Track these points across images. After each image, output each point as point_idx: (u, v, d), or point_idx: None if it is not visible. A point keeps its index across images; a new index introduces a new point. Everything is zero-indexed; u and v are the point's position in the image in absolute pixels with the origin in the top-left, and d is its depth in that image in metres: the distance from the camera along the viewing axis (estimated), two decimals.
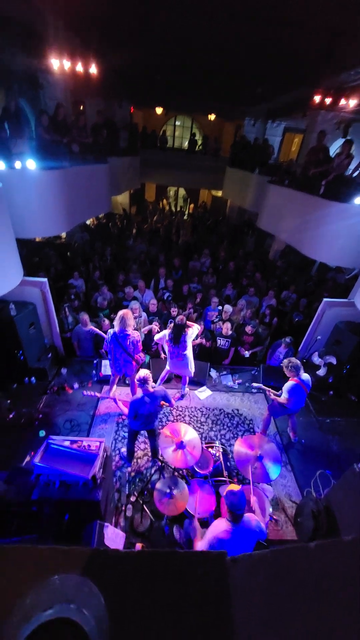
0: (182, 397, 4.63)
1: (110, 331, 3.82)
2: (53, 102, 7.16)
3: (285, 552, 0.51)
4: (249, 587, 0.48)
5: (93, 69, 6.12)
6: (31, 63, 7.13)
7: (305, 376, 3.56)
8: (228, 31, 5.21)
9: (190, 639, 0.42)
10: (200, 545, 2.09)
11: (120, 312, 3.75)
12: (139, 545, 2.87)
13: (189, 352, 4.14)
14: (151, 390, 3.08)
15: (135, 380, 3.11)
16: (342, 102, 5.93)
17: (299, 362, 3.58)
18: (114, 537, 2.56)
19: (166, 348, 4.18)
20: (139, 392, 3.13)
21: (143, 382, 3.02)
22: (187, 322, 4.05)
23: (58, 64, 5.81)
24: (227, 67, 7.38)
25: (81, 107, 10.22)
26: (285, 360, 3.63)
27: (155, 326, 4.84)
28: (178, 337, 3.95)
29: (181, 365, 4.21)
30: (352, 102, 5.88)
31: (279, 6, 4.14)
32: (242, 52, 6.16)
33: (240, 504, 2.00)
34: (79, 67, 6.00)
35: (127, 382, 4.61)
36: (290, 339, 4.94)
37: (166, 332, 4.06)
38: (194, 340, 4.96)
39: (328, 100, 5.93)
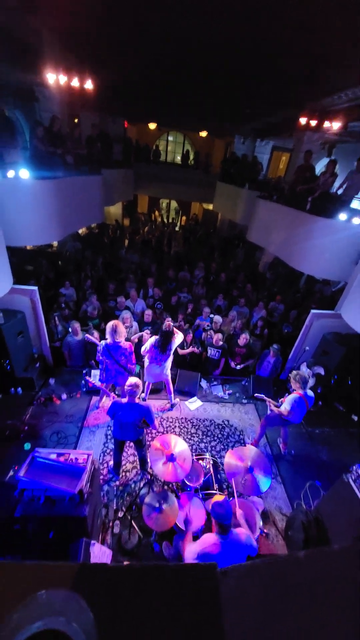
0: (172, 407, 4.58)
1: (103, 342, 3.81)
2: (48, 115, 7.28)
3: (276, 563, 0.51)
4: (240, 598, 0.47)
5: (88, 84, 6.28)
6: (26, 77, 7.27)
7: (309, 391, 3.57)
8: (218, 54, 5.48)
9: None
10: (188, 551, 2.04)
11: (111, 323, 3.72)
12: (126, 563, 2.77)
13: (169, 361, 4.17)
14: (137, 401, 3.01)
15: (125, 387, 3.05)
16: (327, 124, 6.26)
17: (306, 375, 3.58)
18: (100, 555, 2.47)
19: (147, 355, 4.15)
20: (125, 398, 3.07)
21: (131, 392, 2.95)
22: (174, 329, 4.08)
23: (53, 78, 5.94)
24: (218, 88, 7.72)
25: (76, 120, 10.42)
26: (294, 372, 3.62)
27: (146, 334, 4.83)
28: (166, 344, 3.94)
29: (159, 372, 4.21)
30: (336, 125, 6.22)
31: (267, 33, 4.40)
32: (232, 74, 6.47)
33: (226, 514, 1.98)
34: (74, 82, 6.15)
35: (117, 392, 4.54)
36: (277, 346, 5.01)
37: (151, 340, 4.05)
38: (184, 349, 4.98)
39: (313, 122, 6.25)
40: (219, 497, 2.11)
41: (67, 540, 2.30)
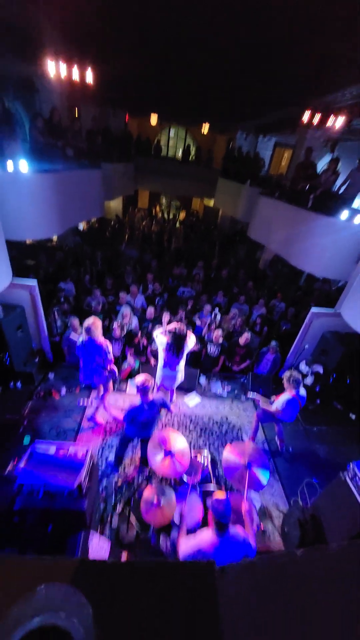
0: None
1: (79, 339, 3.68)
2: (48, 106, 7.19)
3: (273, 561, 0.52)
4: (237, 595, 0.48)
5: (89, 76, 6.19)
6: (26, 67, 7.16)
7: (302, 391, 3.59)
8: (221, 49, 5.40)
9: None
10: (184, 545, 2.04)
11: (89, 320, 3.56)
12: (124, 556, 2.80)
13: (182, 364, 3.99)
14: (151, 398, 3.03)
15: (135, 384, 3.02)
16: (329, 121, 6.20)
17: (300, 376, 3.59)
18: (98, 548, 2.49)
19: (161, 356, 3.94)
20: (137, 399, 3.05)
21: (144, 389, 2.93)
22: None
23: (54, 69, 5.85)
24: (220, 83, 7.62)
25: (76, 113, 10.30)
26: (287, 372, 3.62)
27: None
28: (179, 347, 3.73)
29: (172, 377, 4.03)
30: (338, 123, 6.15)
31: (271, 30, 4.34)
32: (234, 70, 6.38)
33: (225, 513, 1.98)
34: (75, 74, 6.05)
35: (115, 387, 4.55)
36: (275, 343, 5.03)
37: (163, 342, 3.80)
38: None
39: (316, 120, 6.18)
40: (220, 494, 2.11)
41: (66, 534, 2.33)
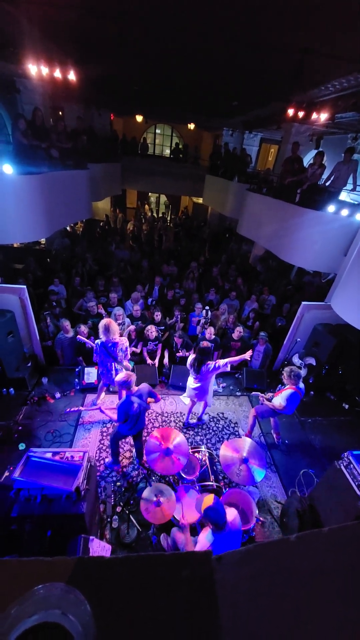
0: (199, 421, 4.40)
1: (97, 341, 3.81)
2: (30, 107, 7.06)
3: (268, 546, 0.52)
4: (235, 582, 0.49)
5: (71, 76, 6.09)
6: (6, 67, 7.01)
7: (301, 383, 3.62)
8: (203, 47, 5.40)
9: None
10: None
11: (104, 321, 3.72)
12: None
13: (209, 383, 3.85)
14: (135, 389, 3.09)
15: (116, 382, 3.07)
16: (314, 116, 6.25)
17: (300, 371, 3.60)
18: (99, 551, 2.48)
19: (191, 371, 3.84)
20: (123, 395, 3.09)
21: (126, 384, 3.01)
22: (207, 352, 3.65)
23: (35, 69, 5.73)
24: (204, 81, 7.62)
25: (60, 113, 10.15)
26: (287, 368, 3.60)
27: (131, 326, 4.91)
28: (200, 364, 3.61)
29: (196, 389, 3.85)
30: (323, 116, 6.22)
31: (252, 26, 4.36)
32: (218, 67, 6.39)
33: (221, 516, 1.98)
34: (57, 74, 5.96)
35: (111, 389, 4.53)
36: (265, 334, 5.08)
37: (192, 357, 3.72)
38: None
39: (300, 114, 6.23)
40: (209, 500, 2.03)
41: (66, 538, 2.31)
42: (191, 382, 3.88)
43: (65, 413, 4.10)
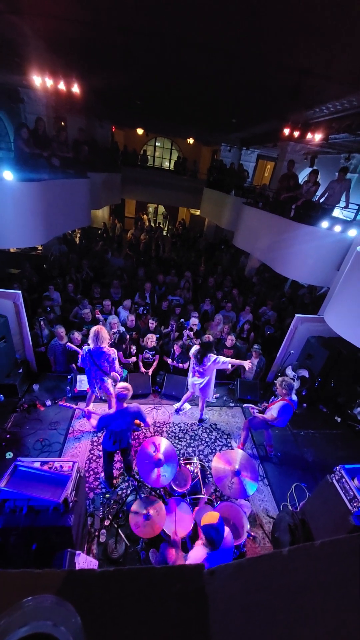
0: (200, 422, 4.53)
1: (85, 348, 3.74)
2: (33, 116, 7.20)
3: (260, 560, 0.52)
4: (227, 596, 0.48)
5: (75, 88, 6.26)
6: (11, 78, 7.18)
7: (294, 395, 3.63)
8: (205, 65, 5.62)
9: None
10: None
11: (94, 328, 3.67)
12: None
13: (210, 376, 4.05)
14: (125, 405, 2.97)
15: (113, 393, 3.02)
16: (309, 136, 6.51)
17: (292, 382, 3.61)
18: (85, 566, 2.40)
19: (191, 364, 4.12)
20: (113, 404, 3.03)
21: (122, 395, 2.90)
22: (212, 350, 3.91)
23: (39, 81, 5.88)
24: (204, 98, 7.89)
25: (62, 123, 10.36)
26: (280, 379, 3.64)
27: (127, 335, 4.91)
28: (202, 355, 3.86)
29: (197, 384, 4.09)
30: (317, 137, 6.47)
31: (253, 46, 4.56)
32: (218, 85, 6.63)
33: (220, 537, 1.90)
34: (61, 86, 6.11)
35: (103, 397, 4.47)
36: (258, 347, 5.12)
37: (195, 349, 3.96)
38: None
39: (296, 134, 6.48)
40: (213, 518, 1.93)
41: (51, 552, 2.23)
42: (195, 379, 4.09)
43: (59, 406, 3.99)
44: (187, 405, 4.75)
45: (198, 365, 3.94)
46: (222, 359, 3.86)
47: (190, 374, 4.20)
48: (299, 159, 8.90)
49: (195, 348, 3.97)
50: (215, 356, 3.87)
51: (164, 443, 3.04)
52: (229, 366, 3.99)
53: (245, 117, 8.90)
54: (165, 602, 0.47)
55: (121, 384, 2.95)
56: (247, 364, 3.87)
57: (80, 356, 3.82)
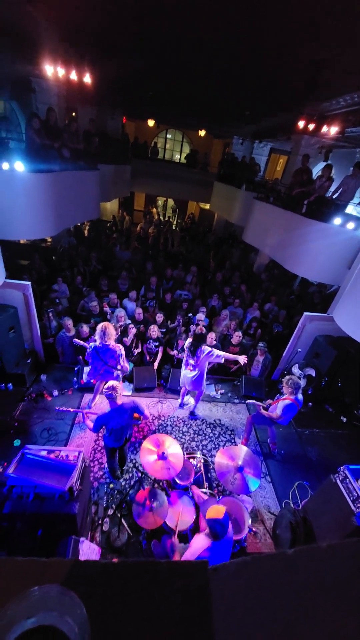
0: (192, 415, 4.53)
1: (92, 344, 3.76)
2: (45, 107, 7.16)
3: (265, 558, 0.52)
4: (230, 593, 0.48)
5: (87, 79, 6.20)
6: (23, 67, 7.14)
7: (299, 395, 3.58)
8: (218, 55, 5.48)
9: None
10: (182, 559, 2.04)
11: (101, 325, 3.68)
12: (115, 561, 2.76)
13: (202, 370, 3.98)
14: (119, 403, 2.93)
15: (103, 391, 2.96)
16: (324, 129, 6.32)
17: (299, 380, 3.56)
18: (88, 552, 2.46)
19: (184, 356, 4.05)
20: (107, 407, 2.97)
21: (109, 396, 2.85)
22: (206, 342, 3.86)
23: (51, 70, 5.83)
24: (217, 90, 7.72)
25: (73, 114, 10.29)
26: (287, 377, 3.59)
27: (132, 329, 4.88)
28: (195, 347, 3.78)
29: (190, 378, 4.02)
30: (333, 130, 6.28)
31: (268, 38, 4.42)
32: (232, 76, 6.48)
33: (225, 531, 1.94)
34: (73, 75, 6.05)
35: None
36: (263, 344, 5.08)
37: (188, 341, 3.90)
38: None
39: (311, 127, 6.30)
40: (219, 512, 1.96)
41: (56, 538, 2.29)
42: (187, 372, 4.02)
43: (56, 411, 4.05)
44: (191, 401, 4.77)
45: (191, 358, 3.87)
46: (216, 352, 3.75)
47: (183, 366, 4.12)
48: (313, 153, 8.66)
49: (188, 340, 3.90)
50: (210, 349, 3.76)
51: (167, 439, 3.07)
52: (222, 360, 3.89)
53: (260, 109, 8.68)
54: (169, 596, 0.47)
55: (109, 383, 2.87)
56: (241, 359, 3.73)
57: (87, 352, 3.85)
